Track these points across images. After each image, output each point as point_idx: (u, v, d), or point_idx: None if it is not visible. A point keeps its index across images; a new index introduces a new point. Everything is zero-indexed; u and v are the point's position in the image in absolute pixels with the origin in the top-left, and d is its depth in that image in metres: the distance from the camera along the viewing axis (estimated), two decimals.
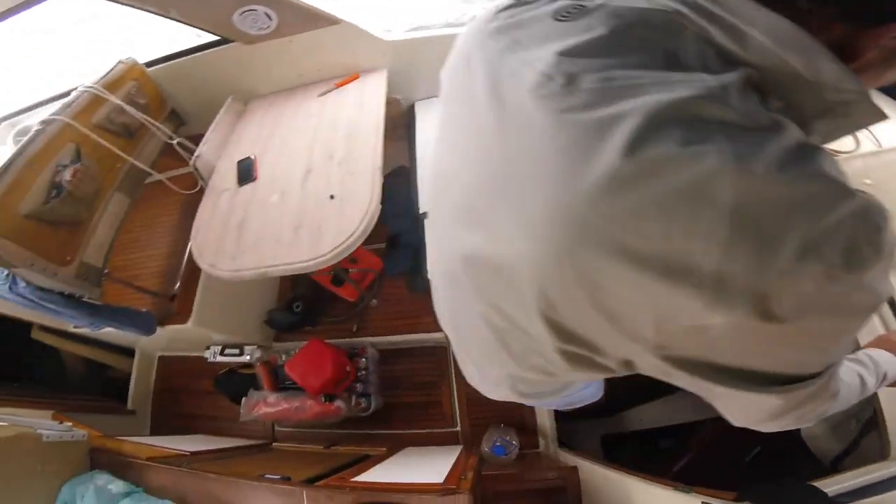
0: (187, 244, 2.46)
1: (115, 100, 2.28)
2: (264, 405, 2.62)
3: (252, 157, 2.31)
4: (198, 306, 2.50)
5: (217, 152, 2.43)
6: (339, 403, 2.65)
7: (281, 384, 2.74)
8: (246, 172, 2.24)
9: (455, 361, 2.07)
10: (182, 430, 3.03)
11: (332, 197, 1.98)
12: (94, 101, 2.23)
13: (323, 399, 2.64)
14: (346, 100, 2.45)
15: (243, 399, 2.69)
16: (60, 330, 2.74)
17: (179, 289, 2.60)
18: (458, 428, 2.60)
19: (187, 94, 2.75)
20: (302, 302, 2.97)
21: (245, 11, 2.29)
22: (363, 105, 2.38)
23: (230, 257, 1.94)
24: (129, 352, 3.08)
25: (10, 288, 1.85)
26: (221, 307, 2.64)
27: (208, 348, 2.86)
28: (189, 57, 2.64)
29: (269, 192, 2.13)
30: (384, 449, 2.32)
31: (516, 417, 2.48)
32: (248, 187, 2.19)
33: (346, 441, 2.60)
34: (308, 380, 2.60)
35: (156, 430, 3.05)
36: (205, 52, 2.59)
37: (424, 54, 2.58)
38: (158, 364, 3.31)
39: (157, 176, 2.64)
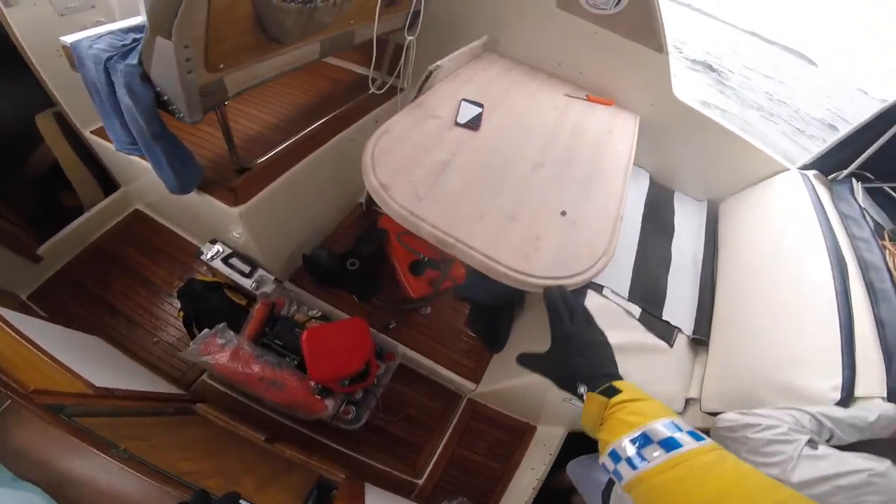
0: (306, 132, 1.92)
1: None
2: (226, 354, 1.62)
3: (482, 105, 1.61)
4: (258, 200, 1.68)
5: (446, 75, 1.74)
6: (329, 402, 1.75)
7: (266, 340, 1.78)
8: (469, 115, 1.55)
9: (461, 419, 2.05)
10: (84, 319, 1.94)
11: (563, 213, 1.31)
12: None
13: (315, 390, 1.73)
14: (593, 118, 1.85)
15: (204, 330, 1.69)
16: (69, 123, 1.86)
17: (256, 169, 1.74)
18: (420, 483, 1.95)
19: (445, 5, 2.14)
20: (360, 263, 2.02)
21: None
22: (611, 133, 1.78)
23: (415, 194, 1.20)
24: (107, 183, 2.15)
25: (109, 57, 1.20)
26: (273, 216, 1.83)
27: (213, 243, 1.85)
28: None
29: (488, 156, 1.44)
30: (342, 476, 1.59)
31: (484, 499, 1.99)
32: (464, 132, 1.49)
33: (290, 438, 1.80)
34: (321, 361, 1.66)
35: (49, 302, 1.96)
36: None
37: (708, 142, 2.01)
38: (128, 217, 2.25)
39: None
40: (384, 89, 2.01)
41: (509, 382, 1.92)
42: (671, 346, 1.58)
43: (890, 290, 1.30)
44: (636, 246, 1.77)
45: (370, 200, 2.27)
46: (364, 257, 2.01)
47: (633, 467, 0.64)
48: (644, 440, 0.65)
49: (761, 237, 1.75)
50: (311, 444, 1.83)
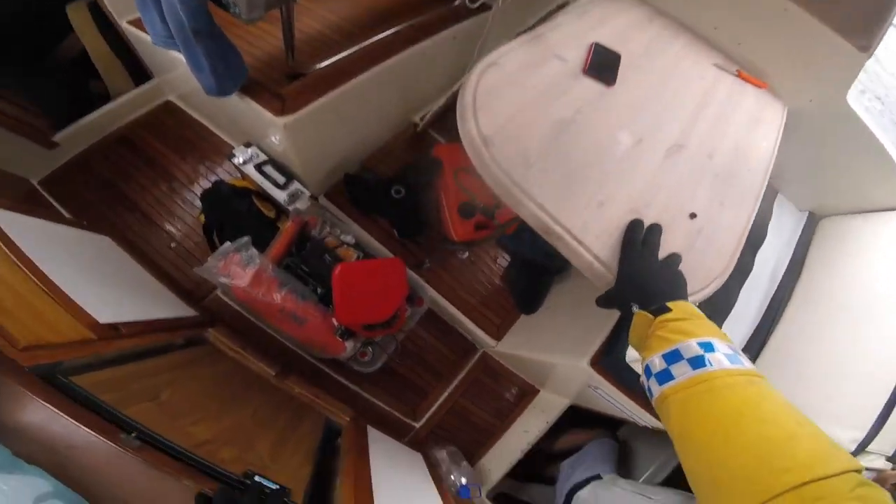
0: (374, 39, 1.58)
1: None
2: (247, 277, 1.41)
3: (619, 54, 1.24)
4: (308, 112, 1.40)
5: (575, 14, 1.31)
6: (349, 344, 1.57)
7: (292, 263, 1.54)
8: (603, 65, 1.17)
9: (471, 371, 1.95)
10: (97, 211, 1.71)
11: (693, 216, 1.04)
12: None
13: (338, 331, 1.54)
14: (742, 100, 1.46)
15: (226, 243, 1.44)
16: (104, 12, 1.63)
17: (312, 76, 1.45)
18: (417, 427, 1.86)
19: None
20: (405, 192, 1.73)
21: None
22: (758, 124, 1.42)
23: (524, 158, 0.91)
24: (139, 73, 1.88)
25: None
26: (320, 129, 1.54)
27: (248, 146, 1.54)
28: None
29: (620, 122, 1.10)
30: (347, 419, 1.51)
31: (472, 451, 1.91)
32: (594, 86, 1.13)
33: (299, 370, 1.64)
34: (351, 303, 1.46)
35: (62, 189, 1.73)
36: None
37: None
38: (157, 108, 1.93)
39: None
40: (477, 3, 1.65)
41: (528, 353, 1.78)
42: None
43: None
44: None
45: (428, 123, 1.93)
46: (411, 187, 1.73)
47: (660, 383, 0.63)
48: (674, 356, 0.63)
49: (855, 274, 1.56)
50: (318, 376, 1.71)
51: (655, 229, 0.89)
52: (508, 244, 1.89)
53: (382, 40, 1.58)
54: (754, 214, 1.15)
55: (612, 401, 1.40)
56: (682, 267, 0.87)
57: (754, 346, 1.52)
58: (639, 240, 0.86)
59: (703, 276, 0.96)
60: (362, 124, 1.77)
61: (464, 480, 1.66)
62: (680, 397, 0.61)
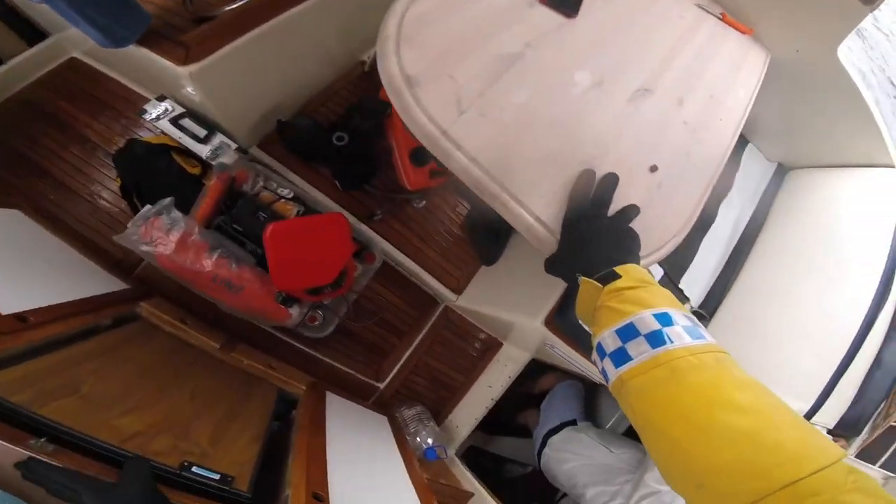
0: None
1: None
2: (171, 242, 1.36)
3: None
4: (218, 58, 1.31)
5: None
6: (294, 310, 1.55)
7: (222, 222, 1.48)
8: None
9: (434, 328, 1.97)
10: (4, 182, 1.62)
11: (653, 169, 0.99)
12: None
13: (279, 297, 1.51)
14: (722, 46, 1.39)
15: (146, 206, 1.38)
16: None
17: (221, 19, 1.36)
18: (381, 387, 1.91)
19: None
20: (349, 138, 1.65)
21: None
22: (738, 71, 1.37)
23: (456, 101, 0.83)
24: (33, 32, 1.76)
25: None
26: (241, 74, 1.43)
27: (161, 100, 1.43)
28: None
29: (579, 60, 1.01)
30: (302, 387, 1.52)
31: (439, 409, 1.99)
32: (551, 15, 1.03)
33: (248, 338, 1.64)
34: (288, 268, 1.43)
35: None
36: None
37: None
38: (61, 66, 1.78)
39: None
40: None
41: (488, 309, 1.80)
42: None
43: None
44: None
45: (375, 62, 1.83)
46: (355, 132, 1.66)
47: (616, 365, 0.59)
48: (629, 332, 0.59)
49: (818, 229, 1.59)
50: (270, 343, 1.70)
51: (609, 181, 0.83)
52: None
53: None
54: (721, 167, 1.12)
55: (569, 359, 1.44)
56: (638, 223, 0.83)
57: (712, 301, 1.57)
58: (587, 195, 0.81)
59: (659, 234, 0.94)
60: (295, 66, 1.67)
61: (430, 441, 1.71)
62: (639, 382, 0.57)
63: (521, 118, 0.87)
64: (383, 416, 1.71)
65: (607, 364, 0.62)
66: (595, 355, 0.66)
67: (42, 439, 0.76)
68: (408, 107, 0.79)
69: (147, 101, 1.56)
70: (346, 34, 1.76)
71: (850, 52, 1.52)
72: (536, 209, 0.82)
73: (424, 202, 1.91)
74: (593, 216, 0.79)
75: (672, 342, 0.56)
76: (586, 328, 0.71)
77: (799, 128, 1.76)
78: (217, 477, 0.93)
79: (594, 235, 0.76)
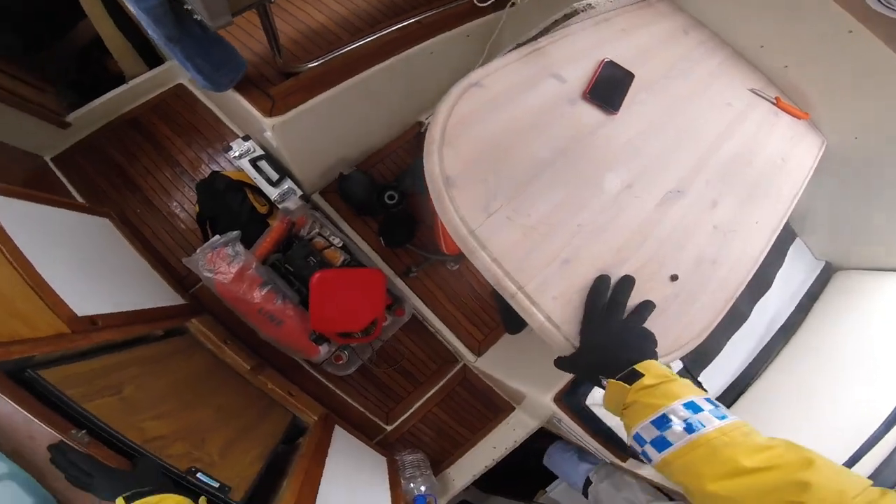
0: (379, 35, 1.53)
1: None
2: (231, 273, 1.48)
3: (632, 74, 1.13)
4: (298, 113, 1.41)
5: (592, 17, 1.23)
6: (324, 348, 1.63)
7: (277, 262, 1.59)
8: (609, 88, 1.08)
9: (449, 382, 1.99)
10: (102, 191, 1.81)
11: (674, 278, 0.97)
12: None
13: (312, 335, 1.59)
14: (773, 133, 1.31)
15: (215, 236, 1.50)
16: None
17: (305, 75, 1.42)
18: (388, 430, 1.93)
19: None
20: (398, 198, 1.76)
21: None
22: (785, 164, 1.28)
23: (485, 204, 0.88)
24: (153, 56, 1.97)
25: None
26: (315, 129, 1.55)
27: (246, 139, 1.58)
28: None
29: (613, 160, 1.04)
30: (315, 417, 1.59)
31: (440, 460, 1.97)
32: (593, 112, 1.06)
33: (277, 365, 1.74)
34: (326, 312, 1.53)
35: (72, 167, 1.84)
36: None
37: None
38: (169, 92, 2.00)
39: None
40: (487, 2, 1.57)
41: (503, 375, 1.82)
42: None
43: None
44: None
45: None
46: (404, 194, 1.78)
47: (659, 450, 0.66)
48: (664, 422, 0.66)
49: (858, 336, 1.49)
50: (295, 371, 1.78)
51: (625, 285, 0.86)
52: None
53: (386, 37, 1.55)
54: (750, 275, 1.08)
55: (574, 434, 1.43)
56: (661, 317, 0.86)
57: (729, 395, 1.53)
58: (603, 303, 0.84)
59: (668, 343, 0.92)
60: (362, 123, 1.79)
61: (423, 489, 1.72)
62: (684, 462, 0.64)
63: (545, 223, 0.90)
64: (384, 457, 1.75)
65: (649, 449, 0.68)
66: (632, 441, 0.71)
67: (83, 431, 0.85)
68: (444, 205, 0.85)
69: (234, 136, 1.73)
70: (409, 95, 1.86)
71: None
72: (549, 309, 0.84)
73: (458, 266, 1.97)
74: (609, 321, 0.82)
75: (704, 427, 0.63)
76: (594, 407, 0.76)
77: (852, 224, 1.64)
78: (216, 485, 1.02)
79: (611, 340, 0.79)
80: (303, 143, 1.58)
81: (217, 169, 1.80)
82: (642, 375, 0.71)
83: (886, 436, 1.19)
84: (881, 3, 1.14)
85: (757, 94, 1.35)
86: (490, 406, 2.03)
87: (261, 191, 1.67)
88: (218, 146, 1.89)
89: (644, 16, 1.34)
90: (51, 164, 1.80)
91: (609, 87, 1.07)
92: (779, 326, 1.62)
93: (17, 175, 1.70)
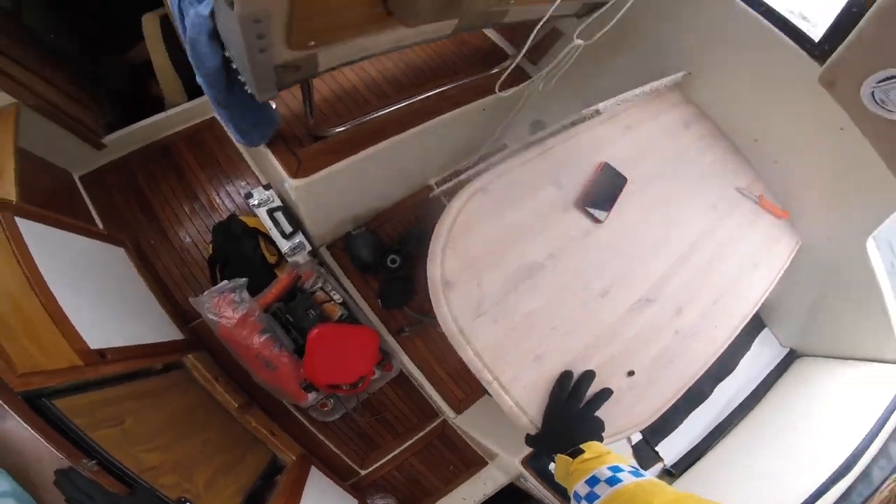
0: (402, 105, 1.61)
1: None
2: (234, 318, 1.56)
3: (625, 179, 1.25)
4: (321, 177, 1.48)
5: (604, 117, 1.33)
6: (312, 395, 1.71)
7: (278, 311, 1.69)
8: (601, 194, 1.21)
9: (427, 435, 2.06)
10: (121, 215, 1.91)
11: (630, 374, 1.11)
12: None
13: (303, 383, 1.68)
14: (750, 234, 1.44)
15: (223, 281, 1.59)
16: (172, 27, 1.75)
17: (331, 140, 1.51)
18: (362, 474, 1.99)
19: (661, 15, 1.54)
20: (400, 261, 1.88)
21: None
22: (756, 268, 1.40)
23: (476, 306, 1.00)
24: (195, 88, 1.99)
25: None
26: (333, 191, 1.63)
27: (267, 188, 1.70)
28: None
29: (594, 268, 1.16)
30: (293, 457, 1.66)
31: None
32: (582, 220, 1.18)
33: (262, 403, 1.81)
34: (320, 365, 1.61)
35: (98, 186, 1.93)
36: (760, 16, 1.36)
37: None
38: (202, 124, 2.12)
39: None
40: (508, 93, 1.58)
41: (479, 434, 1.89)
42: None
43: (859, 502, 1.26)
44: None
45: (443, 190, 2.08)
46: (407, 257, 1.88)
47: (591, 502, 0.79)
48: (594, 481, 0.81)
49: (807, 415, 1.59)
50: (279, 411, 1.85)
51: (586, 378, 1.01)
52: None
53: (410, 107, 1.62)
54: (699, 375, 1.20)
55: (538, 491, 1.49)
56: (604, 413, 0.99)
57: (683, 463, 1.62)
58: (564, 395, 0.99)
59: (620, 425, 1.06)
60: (376, 186, 1.89)
61: None
62: None
63: (527, 323, 1.02)
64: (355, 500, 1.80)
65: (584, 503, 0.82)
66: (573, 499, 0.85)
67: (93, 461, 0.94)
68: (440, 306, 0.96)
69: (255, 180, 1.82)
70: (422, 160, 1.95)
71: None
72: (518, 397, 0.98)
73: None
74: (567, 411, 0.97)
75: (623, 482, 0.78)
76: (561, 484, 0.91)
77: (819, 316, 1.74)
78: None
79: (566, 427, 0.95)
80: (320, 202, 1.66)
81: (233, 210, 1.90)
82: (584, 452, 0.87)
83: None
84: (877, 103, 1.20)
85: (742, 194, 1.47)
86: (464, 460, 2.08)
87: (272, 240, 1.77)
88: (239, 186, 2.00)
89: (651, 109, 1.46)
90: (77, 182, 1.89)
91: (601, 194, 1.19)
92: (736, 405, 1.72)
93: (43, 189, 1.72)
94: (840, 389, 1.61)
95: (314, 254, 1.85)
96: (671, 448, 1.63)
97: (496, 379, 0.97)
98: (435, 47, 1.84)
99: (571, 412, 0.98)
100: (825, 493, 1.27)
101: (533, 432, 0.98)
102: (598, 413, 0.99)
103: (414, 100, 1.64)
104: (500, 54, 1.83)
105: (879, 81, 1.16)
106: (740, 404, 1.73)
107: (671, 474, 1.61)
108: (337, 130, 1.51)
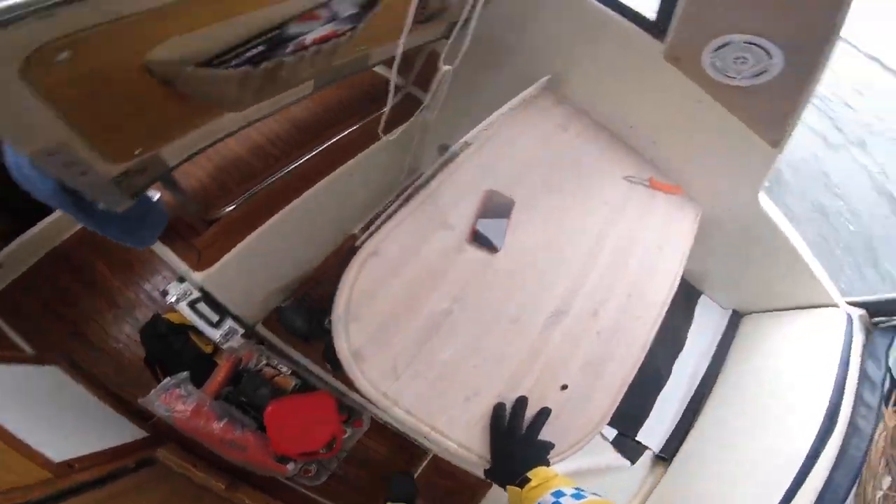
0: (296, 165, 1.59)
1: None
2: (188, 410, 1.57)
3: (512, 201, 1.30)
4: (226, 262, 1.45)
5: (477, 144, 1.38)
6: (290, 465, 1.71)
7: (231, 397, 1.67)
8: (491, 224, 1.25)
9: (423, 471, 2.02)
10: (44, 336, 1.82)
11: (564, 387, 1.15)
12: None
13: (275, 457, 1.67)
14: (649, 220, 1.50)
15: (165, 379, 1.58)
16: None
17: (226, 220, 1.49)
18: None
19: (509, 22, 1.62)
20: None
21: (738, 45, 1.22)
22: (661, 250, 1.46)
23: (392, 368, 1.02)
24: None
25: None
26: (247, 270, 1.58)
27: (181, 281, 1.66)
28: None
29: (499, 302, 1.19)
30: None
31: None
32: (478, 255, 1.22)
33: (251, 481, 1.78)
34: (285, 437, 1.64)
35: (11, 310, 1.82)
36: (602, 6, 1.46)
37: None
38: None
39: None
40: (394, 135, 1.58)
41: (472, 467, 1.90)
42: (633, 463, 1.63)
43: (858, 457, 1.28)
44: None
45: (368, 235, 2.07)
46: None
47: None
48: None
49: (770, 372, 1.68)
50: (270, 485, 1.85)
51: (519, 405, 1.07)
52: None
53: (305, 165, 1.61)
54: (638, 365, 1.25)
55: None
56: (549, 431, 1.05)
57: (672, 445, 1.68)
58: (503, 426, 1.04)
59: (571, 438, 1.11)
60: (296, 252, 1.90)
61: None
62: None
63: (448, 369, 1.07)
64: None
65: None
66: None
67: None
68: (355, 378, 0.99)
69: (171, 272, 1.78)
70: (338, 213, 1.93)
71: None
72: (460, 438, 1.03)
73: None
74: (509, 441, 1.03)
75: None
76: None
77: (748, 275, 1.86)
78: None
79: (511, 455, 1.01)
80: (236, 285, 1.63)
81: (155, 309, 1.89)
82: (530, 479, 0.93)
83: (815, 467, 1.29)
84: (718, 71, 1.30)
85: (631, 182, 1.54)
86: (468, 485, 2.07)
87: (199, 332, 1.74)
88: (156, 282, 1.99)
89: (526, 120, 1.51)
90: None
91: (492, 223, 1.25)
92: (700, 378, 1.81)
93: None
94: (791, 342, 1.70)
95: (249, 334, 1.83)
96: (652, 434, 1.69)
97: (433, 428, 1.02)
98: (321, 97, 1.80)
99: (513, 441, 1.03)
100: (821, 452, 1.31)
101: (486, 467, 1.04)
102: (544, 433, 1.06)
103: (307, 157, 1.66)
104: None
105: (715, 50, 1.23)
106: (705, 375, 1.82)
107: (664, 460, 1.67)
108: (228, 210, 1.51)
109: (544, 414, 1.07)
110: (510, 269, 1.24)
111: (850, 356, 1.55)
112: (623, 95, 1.58)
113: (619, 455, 1.63)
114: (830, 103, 6.38)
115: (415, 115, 1.61)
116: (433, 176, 1.29)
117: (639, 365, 1.26)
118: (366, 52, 1.25)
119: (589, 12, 1.45)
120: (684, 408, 1.75)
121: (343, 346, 1.01)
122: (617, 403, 1.19)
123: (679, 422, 1.72)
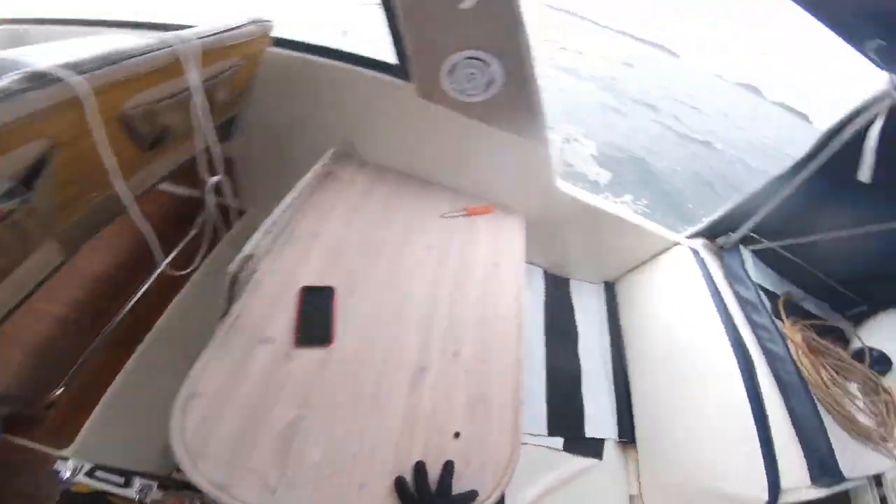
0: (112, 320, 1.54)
1: (197, 79, 1.19)
2: None
3: (331, 288, 1.24)
4: (89, 428, 1.37)
5: (273, 245, 1.31)
6: None
7: None
8: (315, 323, 1.18)
9: None
10: None
11: (457, 435, 1.10)
12: (160, 68, 1.10)
13: None
14: (476, 248, 1.52)
15: None
16: None
17: (63, 395, 1.40)
18: None
19: (279, 107, 1.68)
20: None
21: (462, 63, 1.31)
22: (497, 267, 1.48)
23: (264, 486, 0.94)
24: None
25: None
26: (123, 425, 1.46)
27: (66, 459, 1.54)
28: (323, 61, 1.58)
29: (354, 386, 1.13)
30: None
31: None
32: (311, 353, 1.15)
33: None
34: None
35: None
36: (350, 66, 1.56)
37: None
38: None
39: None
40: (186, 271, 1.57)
41: None
42: (601, 459, 1.59)
43: (797, 381, 1.29)
44: (545, 371, 1.73)
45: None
46: None
47: None
48: None
49: (660, 322, 1.74)
50: None
51: (420, 473, 1.01)
52: None
53: (116, 332, 1.54)
54: (519, 378, 1.22)
55: None
56: (466, 480, 1.01)
57: (626, 425, 1.66)
58: (411, 492, 0.98)
59: (492, 477, 1.05)
60: (171, 387, 1.73)
61: None
62: None
63: (326, 468, 0.99)
64: None
65: None
66: None
67: None
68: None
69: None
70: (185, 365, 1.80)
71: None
72: None
73: None
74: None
75: None
76: None
77: (590, 251, 1.96)
78: None
79: None
80: (120, 442, 1.47)
81: (65, 488, 1.74)
82: None
83: (764, 399, 1.29)
84: (461, 93, 1.37)
85: (447, 217, 1.57)
86: None
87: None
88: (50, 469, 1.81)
89: (331, 192, 1.49)
90: None
91: (317, 318, 1.18)
92: (610, 354, 1.83)
93: None
94: (662, 290, 1.77)
95: (166, 484, 1.73)
96: (599, 425, 1.65)
97: None
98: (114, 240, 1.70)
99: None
100: (760, 390, 1.31)
101: None
102: (462, 484, 1.01)
103: (114, 322, 1.56)
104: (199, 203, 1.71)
105: (448, 74, 1.27)
106: (612, 349, 1.84)
107: (628, 442, 1.64)
108: (58, 393, 1.41)
109: (449, 466, 1.02)
110: (352, 352, 1.19)
111: (716, 285, 1.61)
112: (407, 142, 1.63)
113: (581, 457, 1.58)
114: (613, 82, 6.90)
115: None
116: (228, 304, 1.19)
117: (520, 378, 1.23)
118: (102, 196, 1.17)
119: (338, 74, 1.50)
120: (613, 388, 1.74)
121: (202, 482, 0.93)
122: (521, 417, 1.15)
123: (617, 402, 1.71)
